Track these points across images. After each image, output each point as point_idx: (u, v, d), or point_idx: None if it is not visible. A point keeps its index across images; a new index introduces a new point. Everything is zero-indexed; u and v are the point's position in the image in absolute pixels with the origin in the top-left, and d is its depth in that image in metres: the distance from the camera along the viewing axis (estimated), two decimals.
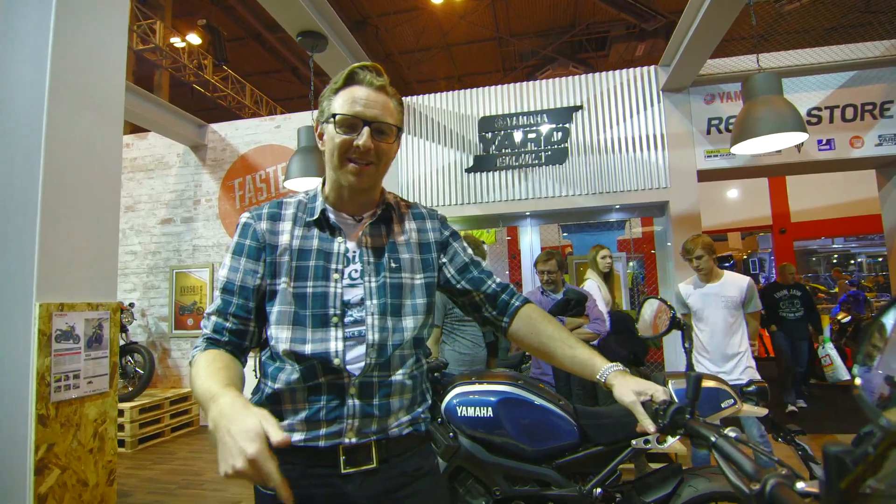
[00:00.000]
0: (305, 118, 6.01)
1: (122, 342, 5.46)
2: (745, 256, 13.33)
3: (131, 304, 6.03)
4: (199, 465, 4.54)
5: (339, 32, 4.29)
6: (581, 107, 5.30)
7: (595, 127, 5.23)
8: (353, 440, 0.98)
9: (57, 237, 1.79)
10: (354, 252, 1.06)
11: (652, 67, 5.15)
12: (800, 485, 0.65)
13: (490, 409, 1.90)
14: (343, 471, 0.97)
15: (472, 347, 2.99)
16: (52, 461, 1.70)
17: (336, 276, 1.03)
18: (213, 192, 6.23)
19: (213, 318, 1.00)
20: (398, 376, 1.04)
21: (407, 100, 5.75)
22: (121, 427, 4.97)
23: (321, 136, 1.07)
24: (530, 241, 5.57)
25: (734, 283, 3.07)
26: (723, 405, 1.83)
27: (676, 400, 1.77)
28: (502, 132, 5.43)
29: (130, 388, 5.34)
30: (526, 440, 1.89)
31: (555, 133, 5.32)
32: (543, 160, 5.30)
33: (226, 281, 1.02)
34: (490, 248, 6.33)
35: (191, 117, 6.19)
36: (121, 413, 4.98)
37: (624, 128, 5.16)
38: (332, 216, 1.07)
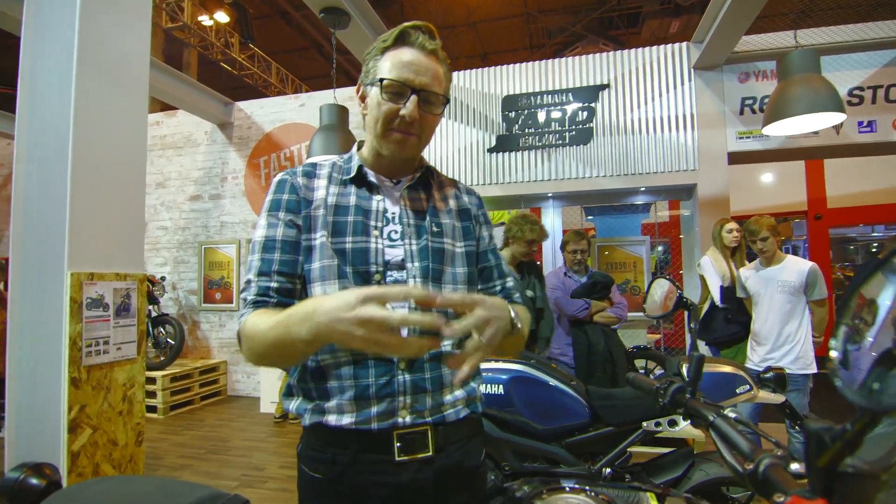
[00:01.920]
0: (329, 97, 6.03)
1: (154, 314, 5.68)
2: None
3: (163, 278, 6.24)
4: (226, 432, 4.73)
5: (361, 8, 4.26)
6: (608, 85, 5.15)
7: (622, 106, 5.09)
8: (408, 419, 0.92)
9: (86, 210, 1.86)
10: (394, 213, 1.00)
11: (684, 44, 4.96)
12: (794, 466, 0.64)
13: (501, 386, 1.92)
14: (397, 458, 0.91)
15: None
16: (84, 421, 1.80)
17: (376, 232, 0.97)
18: (239, 170, 6.35)
19: (255, 281, 0.93)
20: (447, 344, 0.96)
21: None
22: (153, 394, 5.22)
23: (363, 98, 1.00)
24: (552, 222, 5.51)
25: (794, 268, 2.93)
26: (738, 391, 1.81)
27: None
28: (526, 111, 5.34)
29: (162, 358, 5.57)
30: (536, 418, 1.91)
31: (580, 112, 5.20)
32: (567, 140, 5.20)
33: (265, 239, 0.95)
34: None
35: (218, 95, 6.28)
36: (153, 381, 5.22)
37: (652, 107, 5.01)
38: (370, 175, 1.03)
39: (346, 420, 0.91)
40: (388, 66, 0.94)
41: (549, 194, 5.42)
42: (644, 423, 1.85)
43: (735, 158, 4.83)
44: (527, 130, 5.33)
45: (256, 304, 0.92)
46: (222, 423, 5.02)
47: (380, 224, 0.99)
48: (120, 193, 2.00)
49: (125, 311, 1.98)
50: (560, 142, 5.22)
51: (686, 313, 1.83)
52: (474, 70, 5.56)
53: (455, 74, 5.62)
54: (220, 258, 6.31)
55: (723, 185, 4.77)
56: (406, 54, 0.94)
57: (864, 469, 0.45)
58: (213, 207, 6.41)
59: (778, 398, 1.86)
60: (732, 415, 0.79)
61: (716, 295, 3.40)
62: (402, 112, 0.93)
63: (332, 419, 0.92)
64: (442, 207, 1.06)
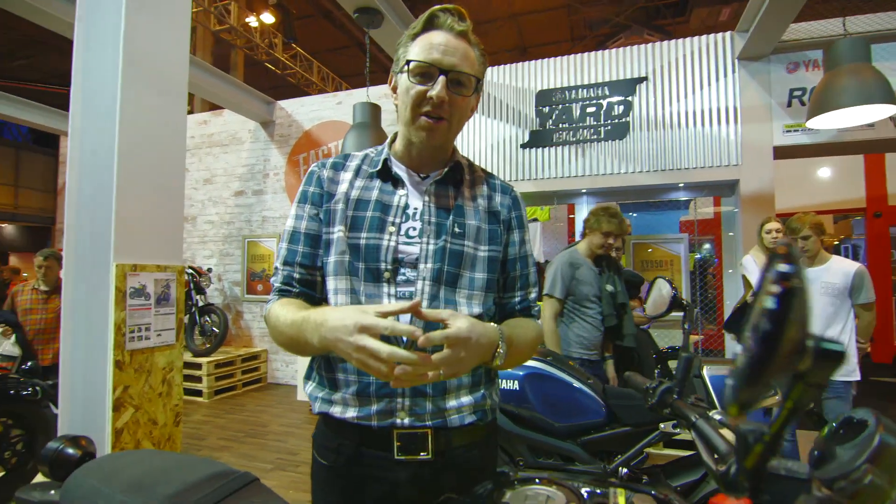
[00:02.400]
0: (364, 95, 6.15)
1: (200, 303, 6.00)
2: (836, 242, 12.14)
3: (209, 269, 6.58)
4: (265, 417, 4.96)
5: (395, 7, 4.32)
6: (646, 78, 5.01)
7: (660, 100, 4.94)
8: (407, 421, 0.91)
9: (130, 206, 2.01)
10: (416, 209, 0.97)
11: (728, 34, 4.75)
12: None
13: (516, 382, 1.94)
14: (396, 457, 0.91)
15: (591, 330, 2.77)
16: (127, 401, 1.96)
17: (391, 228, 0.95)
18: (280, 167, 6.58)
19: (281, 270, 0.98)
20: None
21: None
22: (199, 380, 5.53)
23: (395, 88, 0.98)
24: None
25: (839, 269, 2.78)
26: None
27: (711, 387, 1.72)
28: (560, 106, 5.28)
29: (208, 346, 5.88)
30: (552, 415, 1.92)
31: (616, 107, 5.09)
32: (603, 135, 5.10)
33: (291, 230, 0.99)
34: (546, 225, 6.24)
35: (260, 95, 6.52)
36: (199, 367, 5.53)
37: (692, 100, 4.83)
38: (395, 168, 1.01)
39: (350, 413, 0.93)
40: (417, 49, 0.91)
41: (584, 190, 5.34)
42: (661, 425, 1.83)
43: (781, 153, 4.60)
44: (561, 125, 5.26)
45: (281, 293, 0.97)
46: (261, 409, 5.26)
47: (398, 220, 0.96)
48: (161, 190, 2.15)
49: (165, 300, 2.13)
50: (595, 137, 5.13)
51: (682, 314, 1.77)
52: (508, 65, 5.53)
53: (488, 70, 5.61)
54: (262, 251, 6.58)
55: (767, 180, 4.55)
56: (435, 37, 0.91)
57: (797, 472, 0.46)
58: (256, 202, 6.69)
59: None
60: (718, 417, 0.79)
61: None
62: (431, 94, 0.89)
63: (337, 411, 0.94)
64: (470, 207, 1.00)
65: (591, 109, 5.17)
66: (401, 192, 0.99)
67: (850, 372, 2.71)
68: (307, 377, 1.03)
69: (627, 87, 5.07)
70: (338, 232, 0.95)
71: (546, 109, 5.33)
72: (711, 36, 4.84)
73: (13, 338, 3.46)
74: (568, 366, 2.01)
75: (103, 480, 0.92)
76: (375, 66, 4.65)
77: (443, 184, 1.00)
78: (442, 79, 0.89)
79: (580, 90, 5.23)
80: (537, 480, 0.67)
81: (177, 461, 1.01)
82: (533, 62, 5.46)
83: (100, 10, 2.07)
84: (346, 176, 1.01)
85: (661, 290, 1.64)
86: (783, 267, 0.32)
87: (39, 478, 1.06)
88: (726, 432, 0.79)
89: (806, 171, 7.63)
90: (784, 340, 0.32)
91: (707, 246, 6.60)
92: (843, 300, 2.76)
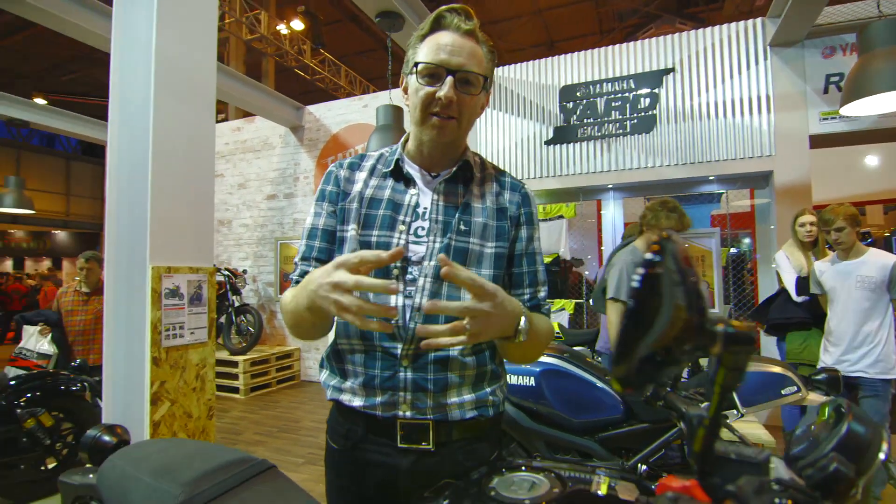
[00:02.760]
0: (387, 97, 6.25)
1: (236, 304, 6.24)
2: (887, 234, 11.49)
3: (244, 271, 6.82)
4: (298, 413, 5.12)
5: (416, 10, 4.38)
6: (673, 69, 4.90)
7: (688, 91, 4.82)
8: (409, 414, 0.94)
9: (164, 212, 2.14)
10: (426, 208, 0.99)
11: (759, 20, 4.60)
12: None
13: (533, 378, 1.96)
14: (399, 444, 0.95)
15: None
16: (163, 395, 2.08)
17: (402, 227, 0.97)
18: (309, 170, 6.76)
19: (299, 265, 1.01)
20: (454, 351, 0.95)
21: None
22: (236, 377, 5.75)
23: (406, 90, 1.00)
24: (613, 215, 5.35)
25: (876, 262, 2.66)
26: (783, 392, 1.71)
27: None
28: (584, 101, 5.22)
29: (244, 344, 6.11)
30: (568, 411, 1.93)
31: (642, 99, 4.99)
32: (629, 129, 5.02)
33: (310, 227, 1.02)
34: (573, 222, 6.18)
35: (290, 101, 6.72)
36: (236, 365, 5.75)
37: (722, 90, 4.70)
38: (407, 167, 1.03)
39: (357, 402, 0.97)
40: (425, 50, 0.93)
41: (610, 186, 5.26)
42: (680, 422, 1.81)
43: (818, 142, 4.42)
44: (585, 121, 5.21)
45: (297, 285, 0.99)
46: (295, 406, 5.43)
47: (408, 219, 0.98)
48: (192, 196, 2.27)
49: (197, 300, 2.24)
50: (621, 131, 5.05)
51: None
52: (530, 62, 5.51)
53: (511, 67, 5.61)
54: (294, 252, 6.75)
55: (803, 171, 4.38)
56: (442, 38, 0.92)
57: (747, 456, 0.47)
58: (288, 206, 6.89)
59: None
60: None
61: (791, 289, 3.16)
62: (439, 94, 0.91)
63: (346, 398, 0.99)
64: (478, 204, 1.01)
65: (616, 103, 5.09)
66: (412, 191, 1.01)
67: (888, 370, 2.60)
68: (321, 366, 1.08)
69: (654, 79, 4.97)
70: (351, 230, 0.98)
71: (570, 105, 5.29)
72: (741, 23, 4.69)
73: (49, 336, 3.60)
74: (585, 362, 2.02)
75: (133, 465, 1.01)
76: (398, 68, 4.74)
77: (452, 182, 1.02)
78: (450, 79, 0.91)
79: (605, 84, 5.16)
80: (524, 468, 0.70)
81: (200, 449, 1.09)
82: (555, 57, 5.42)
83: (133, 27, 2.21)
84: (361, 175, 1.04)
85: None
86: (649, 255, 0.34)
87: None
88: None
89: (852, 160, 7.28)
90: (652, 318, 0.34)
91: (747, 241, 6.37)
92: (881, 295, 2.64)
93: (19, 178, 6.96)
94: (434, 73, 0.92)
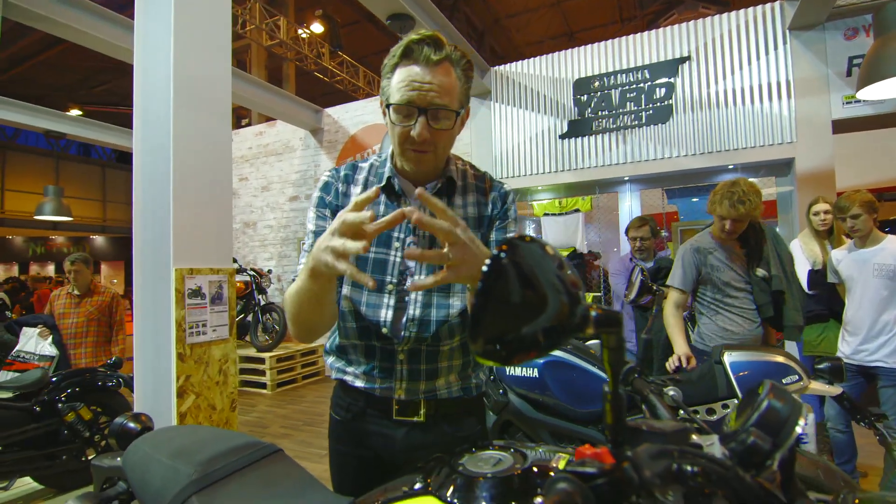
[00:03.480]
0: None
1: (262, 302, 6.44)
2: None
3: (269, 271, 7.03)
4: (323, 408, 5.28)
5: (427, 11, 4.44)
6: (688, 58, 4.83)
7: (705, 79, 4.75)
8: (403, 397, 1.06)
9: (185, 217, 2.27)
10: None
11: (777, 4, 4.49)
12: (694, 438, 0.71)
13: (536, 370, 2.01)
14: (395, 417, 1.07)
15: (741, 323, 2.39)
16: (189, 388, 2.22)
17: (397, 244, 1.03)
18: None
19: (303, 264, 1.09)
20: (446, 346, 1.07)
21: (498, 69, 5.74)
22: (263, 373, 5.95)
23: (385, 112, 1.03)
24: (630, 207, 5.32)
25: (892, 249, 2.60)
26: (784, 381, 1.72)
27: (732, 373, 1.73)
28: (599, 93, 5.19)
29: (270, 341, 6.31)
30: (572, 402, 1.98)
31: (657, 89, 4.94)
32: (644, 120, 4.98)
33: (316, 228, 1.07)
34: (591, 215, 6.15)
35: (308, 104, 6.88)
36: (263, 361, 5.95)
37: (740, 77, 4.61)
38: (398, 184, 1.06)
39: (359, 383, 1.10)
40: (396, 83, 0.95)
41: (626, 178, 5.23)
42: (681, 411, 1.83)
43: (841, 126, 4.29)
44: (600, 113, 5.18)
45: None
46: (319, 400, 5.59)
47: (402, 235, 1.04)
48: (211, 201, 2.40)
49: (219, 299, 2.38)
50: (636, 122, 5.01)
51: (650, 297, 1.76)
52: (543, 56, 5.50)
53: (524, 63, 5.62)
54: None
55: (826, 157, 4.27)
56: (411, 71, 0.94)
57: (657, 429, 0.53)
58: (309, 207, 7.06)
59: (833, 390, 1.73)
60: (672, 392, 0.85)
61: (803, 281, 3.11)
62: (412, 133, 0.94)
63: (349, 379, 1.12)
64: (460, 213, 1.07)
65: (631, 94, 5.05)
66: (405, 207, 1.05)
67: None
68: (326, 352, 1.19)
69: (669, 68, 4.91)
70: None
71: (584, 98, 5.27)
72: (759, 7, 4.58)
73: (50, 339, 3.57)
74: (589, 354, 2.05)
75: (154, 448, 1.11)
76: None
77: (437, 195, 1.06)
78: (422, 120, 0.93)
79: (619, 75, 5.13)
80: (491, 447, 0.77)
81: (215, 434, 1.19)
82: (569, 50, 5.40)
83: (152, 43, 2.34)
84: (356, 190, 1.09)
85: (635, 277, 1.64)
86: (495, 252, 0.40)
87: None
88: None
89: (878, 144, 7.00)
90: (501, 303, 0.40)
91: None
92: None
93: (58, 186, 7.34)
94: (406, 113, 0.94)
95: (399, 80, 0.95)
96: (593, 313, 0.41)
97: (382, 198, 1.07)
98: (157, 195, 2.29)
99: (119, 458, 1.21)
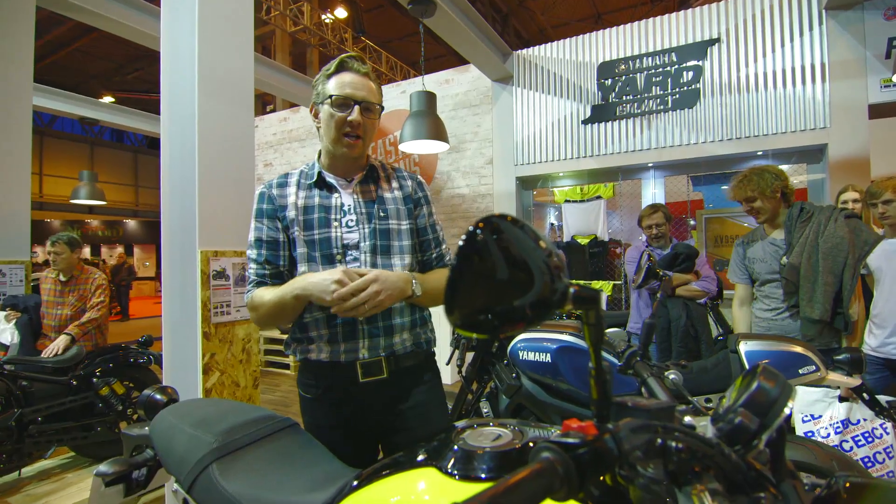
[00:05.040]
0: (419, 84, 6.31)
1: None
2: None
3: None
4: None
5: None
6: (718, 40, 4.68)
7: (734, 62, 4.60)
8: (366, 354, 1.23)
9: (210, 201, 2.34)
10: (349, 205, 1.27)
11: None
12: (687, 419, 0.72)
13: (549, 355, 2.03)
14: (361, 380, 1.23)
15: (766, 311, 2.38)
16: (214, 366, 2.31)
17: (335, 223, 1.25)
18: None
19: (254, 269, 1.28)
20: (396, 304, 1.26)
21: (520, 53, 5.67)
22: (287, 354, 6.11)
23: (316, 115, 1.28)
24: (653, 194, 5.22)
25: None
26: (801, 371, 1.69)
27: (747, 362, 1.72)
28: (623, 77, 5.08)
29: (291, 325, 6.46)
30: (583, 386, 1.99)
31: (685, 73, 4.81)
32: (670, 105, 4.86)
33: (255, 238, 1.28)
34: (614, 202, 6.06)
35: None
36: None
37: (772, 60, 4.45)
38: (328, 178, 1.29)
39: (323, 355, 1.24)
40: (334, 85, 1.22)
41: (650, 164, 5.13)
42: (694, 398, 1.83)
43: (878, 111, 4.11)
44: (625, 98, 5.08)
45: (258, 285, 1.27)
46: None
47: (338, 216, 1.27)
48: (235, 185, 2.47)
49: (242, 280, 2.45)
50: (662, 107, 4.90)
51: (657, 283, 1.74)
52: (567, 39, 5.40)
53: (546, 46, 5.53)
54: None
55: (861, 143, 4.10)
56: (346, 77, 1.22)
57: (641, 405, 0.55)
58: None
59: (852, 381, 1.70)
60: (672, 376, 0.86)
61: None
62: (350, 118, 1.21)
63: (312, 356, 1.26)
64: (388, 195, 1.32)
65: (657, 78, 4.93)
66: (335, 195, 1.28)
67: None
68: (286, 344, 1.36)
69: (697, 50, 4.77)
70: (296, 232, 1.26)
71: (608, 82, 5.16)
72: None
73: (14, 322, 3.20)
74: (607, 343, 2.05)
75: (178, 418, 1.18)
76: (431, 52, 4.78)
77: (364, 182, 1.31)
78: (357, 107, 1.21)
79: (645, 59, 5.00)
80: (491, 424, 0.80)
81: (234, 407, 1.25)
82: (593, 33, 5.29)
83: (178, 31, 2.40)
84: (291, 190, 1.30)
85: (644, 262, 1.63)
86: (471, 228, 0.42)
87: None
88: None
89: None
90: (474, 278, 0.42)
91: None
92: None
93: (92, 172, 7.60)
94: (344, 103, 1.21)
95: (338, 83, 1.22)
96: (571, 290, 0.43)
97: (316, 192, 1.28)
98: (183, 180, 2.36)
99: (147, 428, 1.28)
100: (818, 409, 1.80)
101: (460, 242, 0.42)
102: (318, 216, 1.27)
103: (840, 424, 1.71)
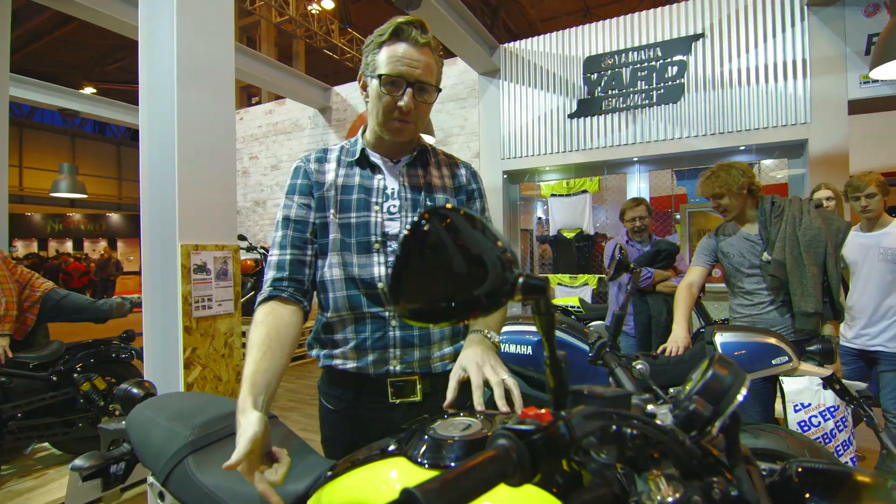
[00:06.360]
0: None
1: None
2: None
3: None
4: None
5: None
6: (702, 35, 4.72)
7: (718, 57, 4.64)
8: (398, 368, 1.07)
9: (190, 195, 2.32)
10: (393, 189, 1.11)
11: None
12: (650, 407, 0.74)
13: (529, 347, 2.05)
14: (391, 400, 1.08)
15: (747, 305, 2.38)
16: (195, 360, 2.30)
17: (376, 207, 1.09)
18: None
19: (275, 255, 1.09)
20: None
21: (507, 46, 5.66)
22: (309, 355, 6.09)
23: (364, 87, 1.09)
24: (638, 188, 5.27)
25: None
26: (774, 362, 1.73)
27: (721, 352, 1.75)
28: (609, 72, 5.11)
29: None
30: None
31: (669, 68, 4.85)
32: (655, 99, 4.90)
33: (282, 217, 1.11)
34: (599, 196, 6.11)
35: (317, 82, 6.86)
36: None
37: (755, 55, 4.50)
38: (372, 156, 1.13)
39: (349, 365, 1.09)
40: (385, 58, 1.01)
41: (635, 159, 5.17)
42: (672, 389, 1.86)
43: (857, 107, 4.18)
44: (610, 92, 5.10)
45: (273, 286, 1.07)
46: None
47: (380, 200, 1.10)
48: (215, 179, 2.45)
49: (223, 275, 2.44)
50: (647, 102, 4.94)
51: (628, 276, 1.77)
52: (553, 33, 5.41)
53: (533, 40, 5.53)
54: None
55: (840, 139, 4.17)
56: (400, 49, 1.01)
57: (596, 393, 0.57)
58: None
59: (823, 371, 1.75)
60: (639, 367, 0.88)
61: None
62: (400, 103, 1.02)
63: (338, 363, 1.11)
64: (437, 184, 1.16)
65: (642, 73, 4.96)
66: (379, 176, 1.12)
67: None
68: (309, 344, 1.19)
69: (682, 45, 4.80)
70: (329, 215, 1.10)
71: (594, 76, 5.19)
72: None
73: None
74: (583, 333, 2.08)
75: (155, 412, 1.18)
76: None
77: (413, 166, 1.15)
78: (409, 91, 1.02)
79: (631, 53, 5.03)
80: (461, 414, 0.81)
81: (211, 400, 1.25)
82: (580, 27, 5.30)
83: (157, 21, 2.36)
84: (330, 166, 1.14)
85: (616, 254, 1.66)
86: (415, 218, 0.43)
87: None
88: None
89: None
90: (418, 269, 0.43)
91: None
92: None
93: (72, 164, 7.47)
94: (396, 84, 1.02)
95: (389, 56, 1.01)
96: (521, 280, 0.44)
97: (357, 170, 1.13)
98: (163, 172, 2.34)
99: (124, 422, 1.28)
100: (806, 398, 1.84)
101: (405, 232, 0.43)
102: (356, 197, 1.11)
103: (828, 412, 1.76)
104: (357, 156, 1.13)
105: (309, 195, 1.12)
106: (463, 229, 0.43)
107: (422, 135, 1.21)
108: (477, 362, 0.89)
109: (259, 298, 1.08)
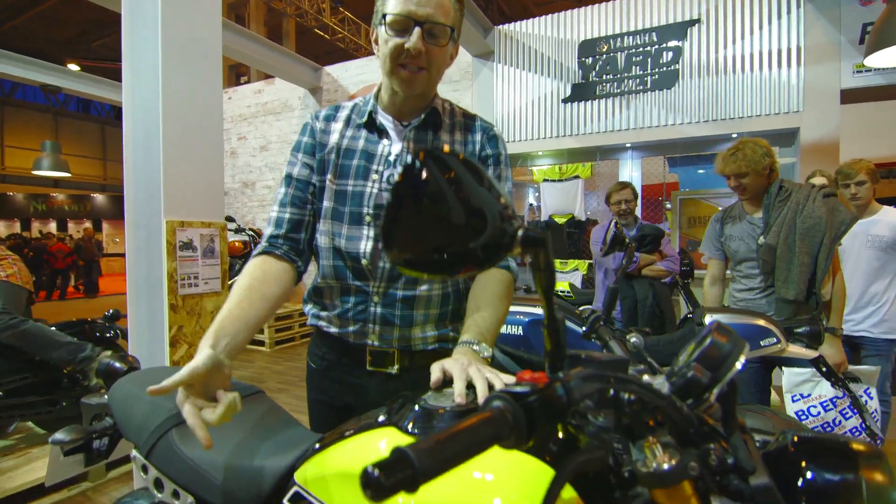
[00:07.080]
0: None
1: None
2: None
3: None
4: None
5: None
6: (699, 20, 4.68)
7: (713, 43, 4.62)
8: (376, 343, 1.04)
9: (176, 169, 2.27)
10: (398, 157, 1.04)
11: None
12: (645, 378, 0.73)
13: (521, 327, 2.05)
14: (368, 367, 1.06)
15: (743, 290, 2.33)
16: (181, 338, 2.27)
17: (375, 176, 1.03)
18: None
19: (275, 211, 1.07)
20: (422, 290, 1.04)
21: (502, 28, 5.59)
22: (262, 331, 6.05)
23: (376, 41, 1.00)
24: (630, 175, 5.26)
25: (889, 220, 2.57)
26: (762, 343, 1.75)
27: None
28: (604, 56, 5.06)
29: None
30: None
31: (664, 53, 4.81)
32: (649, 85, 4.87)
33: (285, 175, 1.08)
34: (592, 182, 6.11)
35: (307, 61, 6.73)
36: None
37: (749, 42, 4.48)
38: (380, 118, 1.06)
39: (333, 329, 1.09)
40: (393, 1, 0.93)
41: (628, 145, 5.16)
42: (664, 369, 1.87)
43: (850, 96, 4.19)
44: (605, 77, 5.07)
45: (269, 242, 1.05)
46: None
47: (381, 168, 1.03)
48: (202, 155, 2.39)
49: (210, 252, 2.40)
50: (641, 87, 4.91)
51: (622, 253, 1.77)
52: (547, 16, 5.34)
53: (528, 22, 5.45)
54: None
55: (832, 128, 4.19)
56: None
57: (594, 357, 0.55)
58: None
59: (809, 353, 1.76)
60: (633, 339, 0.87)
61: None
62: (407, 45, 0.92)
63: (324, 325, 1.11)
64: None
65: (637, 58, 4.93)
66: (385, 141, 1.05)
67: (892, 329, 2.57)
68: (305, 301, 1.18)
69: (678, 31, 4.77)
70: (327, 180, 1.05)
71: (589, 61, 5.14)
72: None
73: None
74: (574, 314, 2.08)
75: (137, 386, 1.15)
76: None
77: (422, 129, 1.05)
78: (417, 30, 0.91)
79: (626, 38, 4.98)
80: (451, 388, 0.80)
81: None
82: (575, 10, 5.24)
83: (142, 10, 2.28)
84: (337, 126, 1.08)
85: (609, 230, 1.65)
86: (409, 158, 0.40)
87: None
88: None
89: (888, 116, 6.84)
90: (411, 216, 0.40)
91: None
92: (892, 254, 2.58)
93: (55, 142, 7.28)
94: (402, 24, 0.92)
95: None
96: (520, 232, 0.42)
97: (364, 133, 1.06)
98: (147, 148, 2.28)
99: (107, 397, 1.25)
100: (806, 389, 1.86)
101: (396, 175, 0.40)
102: (357, 163, 1.04)
103: (830, 403, 1.78)
104: (365, 117, 1.06)
105: (312, 155, 1.07)
106: (461, 176, 0.40)
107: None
108: (462, 362, 0.81)
109: (253, 253, 1.06)
